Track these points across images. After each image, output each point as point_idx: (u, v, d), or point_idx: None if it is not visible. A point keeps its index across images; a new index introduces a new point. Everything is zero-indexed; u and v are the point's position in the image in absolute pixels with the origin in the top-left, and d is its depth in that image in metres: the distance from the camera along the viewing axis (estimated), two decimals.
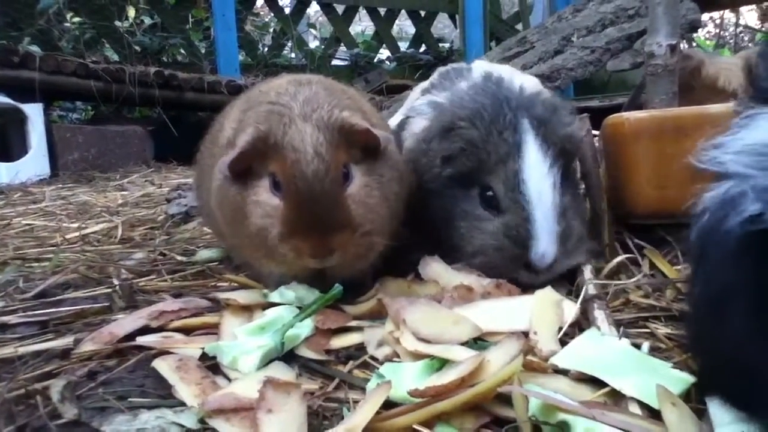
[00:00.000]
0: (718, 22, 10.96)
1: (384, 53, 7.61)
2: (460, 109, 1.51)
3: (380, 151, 1.37)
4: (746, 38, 10.71)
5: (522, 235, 1.40)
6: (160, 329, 1.28)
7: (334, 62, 7.18)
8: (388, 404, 0.95)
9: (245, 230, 1.34)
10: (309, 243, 1.27)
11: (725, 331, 0.81)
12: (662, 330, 1.22)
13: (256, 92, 1.50)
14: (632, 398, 0.93)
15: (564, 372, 1.04)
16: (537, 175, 1.41)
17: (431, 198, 1.54)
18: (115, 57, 5.72)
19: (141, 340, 1.22)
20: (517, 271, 1.42)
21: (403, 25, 9.23)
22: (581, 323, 1.25)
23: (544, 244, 1.39)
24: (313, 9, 7.52)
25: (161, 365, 1.10)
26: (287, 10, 6.92)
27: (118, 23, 5.73)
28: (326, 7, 6.96)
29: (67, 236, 2.26)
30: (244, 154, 1.29)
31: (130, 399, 1.03)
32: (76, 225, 2.49)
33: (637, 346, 1.14)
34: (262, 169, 1.32)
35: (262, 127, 1.29)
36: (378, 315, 1.31)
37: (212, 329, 1.29)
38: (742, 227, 0.69)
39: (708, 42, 9.98)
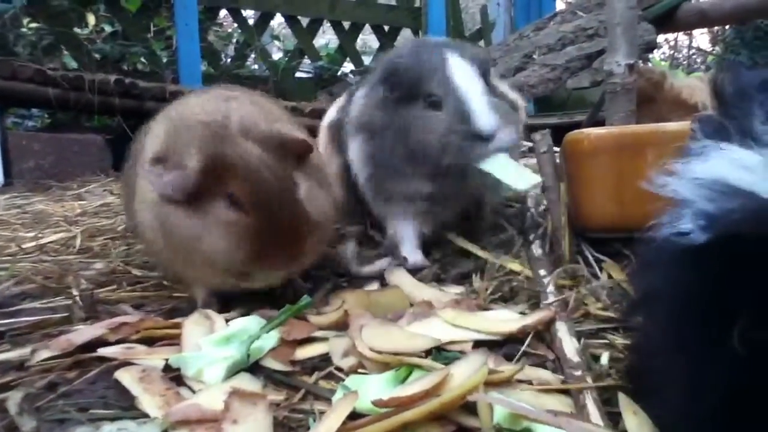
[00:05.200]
0: (672, 43, 11.33)
1: (348, 66, 7.63)
2: (393, 56, 1.89)
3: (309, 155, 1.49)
4: (699, 60, 11.09)
5: (464, 111, 1.64)
6: (122, 340, 1.26)
7: (298, 74, 7.17)
8: (354, 415, 0.96)
9: (196, 252, 1.35)
10: (283, 254, 1.35)
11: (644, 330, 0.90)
12: (620, 341, 1.25)
13: (178, 110, 1.50)
14: (594, 408, 0.96)
15: (528, 382, 1.06)
16: (462, 73, 1.70)
17: (385, 125, 1.77)
18: (74, 64, 5.61)
19: (102, 351, 1.20)
20: (469, 149, 1.63)
21: (367, 39, 9.27)
22: (542, 334, 1.28)
23: (484, 114, 1.63)
24: (277, 21, 7.51)
25: (124, 376, 1.09)
26: (251, 22, 6.88)
27: (77, 30, 5.63)
28: (290, 20, 6.95)
29: (24, 246, 2.20)
30: (199, 174, 1.30)
31: (91, 411, 1.01)
32: (32, 234, 2.42)
33: (597, 357, 1.17)
34: (215, 190, 1.32)
35: (208, 147, 1.31)
36: (343, 326, 1.32)
37: (175, 339, 1.27)
38: (672, 239, 0.76)
39: (663, 62, 10.29)
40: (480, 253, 1.79)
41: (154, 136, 1.48)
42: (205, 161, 1.31)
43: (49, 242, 2.26)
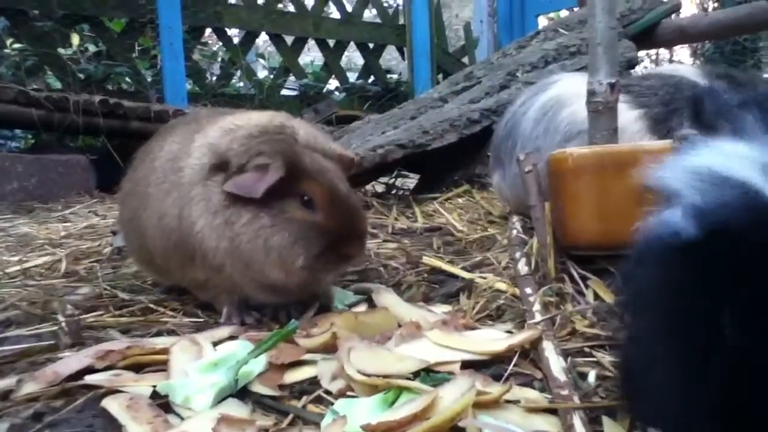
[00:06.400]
0: (653, 57, 11.48)
1: (333, 84, 7.66)
2: None
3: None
4: None
5: None
6: (109, 367, 1.25)
7: (283, 92, 7.19)
8: None
9: (261, 251, 1.41)
10: (345, 254, 1.47)
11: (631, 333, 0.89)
12: (608, 358, 1.26)
13: (236, 123, 1.53)
14: (582, 428, 0.96)
15: (516, 402, 1.07)
16: None
17: None
18: (58, 85, 5.59)
19: (89, 378, 1.19)
20: None
21: (352, 57, 9.32)
22: (529, 353, 1.29)
23: None
24: (262, 39, 7.54)
25: (111, 404, 1.08)
26: (236, 40, 6.91)
27: (61, 50, 5.61)
28: (275, 38, 6.98)
29: (7, 270, 2.18)
30: (280, 173, 1.40)
31: None
32: (16, 258, 2.40)
33: (584, 375, 1.18)
34: (289, 191, 1.43)
35: (286, 153, 1.43)
36: (332, 348, 1.32)
37: (163, 366, 1.26)
38: (664, 239, 0.73)
39: None
40: (464, 274, 1.81)
41: (202, 146, 1.51)
42: (285, 163, 1.41)
43: (33, 266, 2.24)
